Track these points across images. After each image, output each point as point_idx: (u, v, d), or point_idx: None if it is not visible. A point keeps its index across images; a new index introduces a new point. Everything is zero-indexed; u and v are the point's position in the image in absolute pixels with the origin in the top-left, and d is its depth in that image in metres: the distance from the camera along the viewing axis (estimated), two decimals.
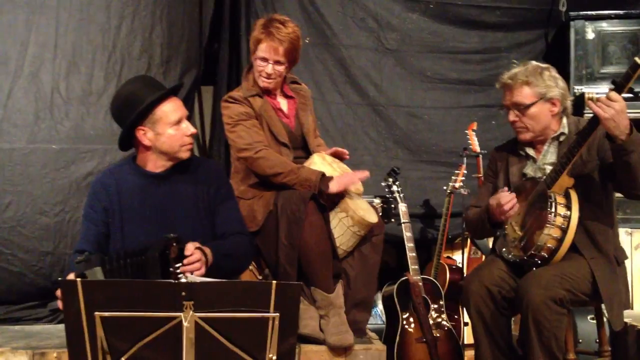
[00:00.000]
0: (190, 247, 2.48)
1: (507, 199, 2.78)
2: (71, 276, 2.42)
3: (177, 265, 2.41)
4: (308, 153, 3.18)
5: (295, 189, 2.95)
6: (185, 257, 2.45)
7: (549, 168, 2.84)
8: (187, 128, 2.67)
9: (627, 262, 2.92)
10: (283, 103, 3.23)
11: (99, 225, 2.68)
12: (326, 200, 2.95)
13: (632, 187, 2.71)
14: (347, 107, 4.48)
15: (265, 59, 3.06)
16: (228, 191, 2.83)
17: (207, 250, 2.54)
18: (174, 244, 2.41)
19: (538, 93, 2.82)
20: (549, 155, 2.89)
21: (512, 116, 2.88)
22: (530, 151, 2.93)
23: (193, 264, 2.45)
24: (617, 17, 4.33)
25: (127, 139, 2.69)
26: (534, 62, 2.91)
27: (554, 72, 2.88)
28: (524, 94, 2.83)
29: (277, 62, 3.07)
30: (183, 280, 2.30)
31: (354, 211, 2.97)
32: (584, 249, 2.76)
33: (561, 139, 2.88)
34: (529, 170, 2.93)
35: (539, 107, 2.83)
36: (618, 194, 2.88)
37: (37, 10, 3.66)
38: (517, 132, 2.91)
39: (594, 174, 2.80)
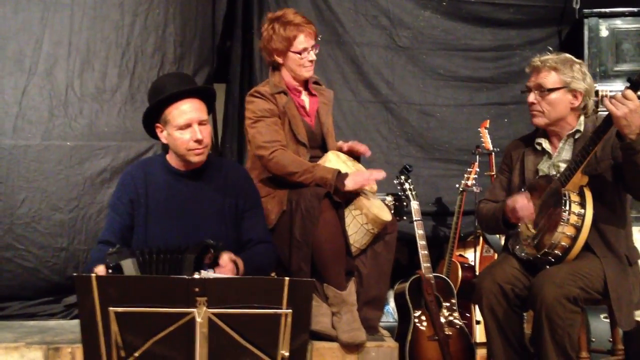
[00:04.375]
0: (225, 258, 2.48)
1: (522, 204, 2.76)
2: (101, 267, 2.43)
3: (209, 271, 2.40)
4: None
5: (309, 187, 2.96)
6: (218, 264, 2.46)
7: (563, 165, 2.83)
8: (194, 134, 2.61)
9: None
10: (306, 101, 3.25)
11: (124, 216, 2.70)
12: (341, 197, 2.96)
13: (639, 188, 2.70)
14: (359, 104, 4.48)
15: (306, 49, 3.13)
16: (256, 199, 2.84)
17: (240, 263, 2.54)
18: (211, 251, 2.43)
19: (563, 81, 2.81)
20: (564, 153, 2.88)
21: (531, 97, 2.87)
22: (547, 145, 2.92)
23: (224, 274, 2.45)
24: (631, 14, 4.31)
25: (152, 132, 2.71)
26: (567, 54, 2.91)
27: (584, 68, 2.88)
28: (549, 78, 2.82)
29: (314, 47, 3.16)
30: (197, 274, 2.34)
31: (369, 209, 2.97)
32: (595, 248, 2.75)
33: (577, 136, 2.87)
34: (544, 167, 2.91)
35: (560, 94, 2.82)
36: None
37: (52, 8, 3.69)
38: (532, 115, 2.89)
39: (607, 173, 2.78)
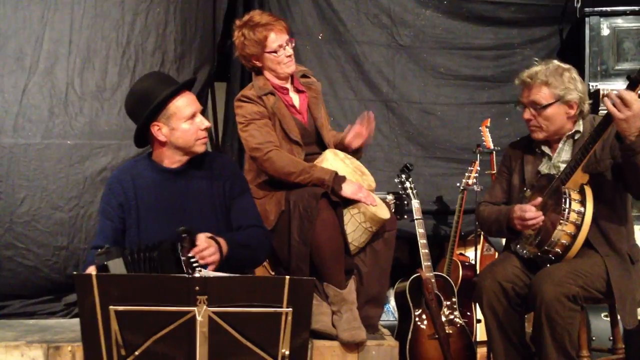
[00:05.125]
0: (202, 237, 2.49)
1: (532, 215, 2.75)
2: (92, 268, 2.44)
3: (190, 255, 2.42)
4: (323, 148, 3.18)
5: (307, 186, 2.95)
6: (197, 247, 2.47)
7: (563, 166, 2.83)
8: (201, 122, 2.69)
9: None
10: (295, 99, 3.23)
11: (115, 221, 2.70)
12: (339, 197, 2.95)
13: (639, 188, 2.69)
14: (360, 103, 4.48)
15: (281, 45, 3.11)
16: (243, 185, 2.85)
17: (222, 241, 2.54)
18: (185, 236, 2.42)
19: (556, 94, 2.80)
20: (563, 153, 2.88)
21: (527, 114, 2.86)
22: (546, 149, 2.92)
23: (205, 251, 2.46)
24: (632, 13, 4.30)
25: (142, 135, 2.71)
26: (555, 62, 2.88)
27: (574, 74, 2.85)
28: (542, 94, 2.81)
29: (288, 42, 3.14)
30: (198, 273, 2.33)
31: (366, 207, 2.96)
32: (598, 246, 2.75)
33: (576, 137, 2.86)
34: (544, 168, 2.91)
35: (555, 108, 2.81)
36: None
37: (52, 7, 3.69)
38: (530, 130, 2.89)
39: (607, 172, 2.78)
